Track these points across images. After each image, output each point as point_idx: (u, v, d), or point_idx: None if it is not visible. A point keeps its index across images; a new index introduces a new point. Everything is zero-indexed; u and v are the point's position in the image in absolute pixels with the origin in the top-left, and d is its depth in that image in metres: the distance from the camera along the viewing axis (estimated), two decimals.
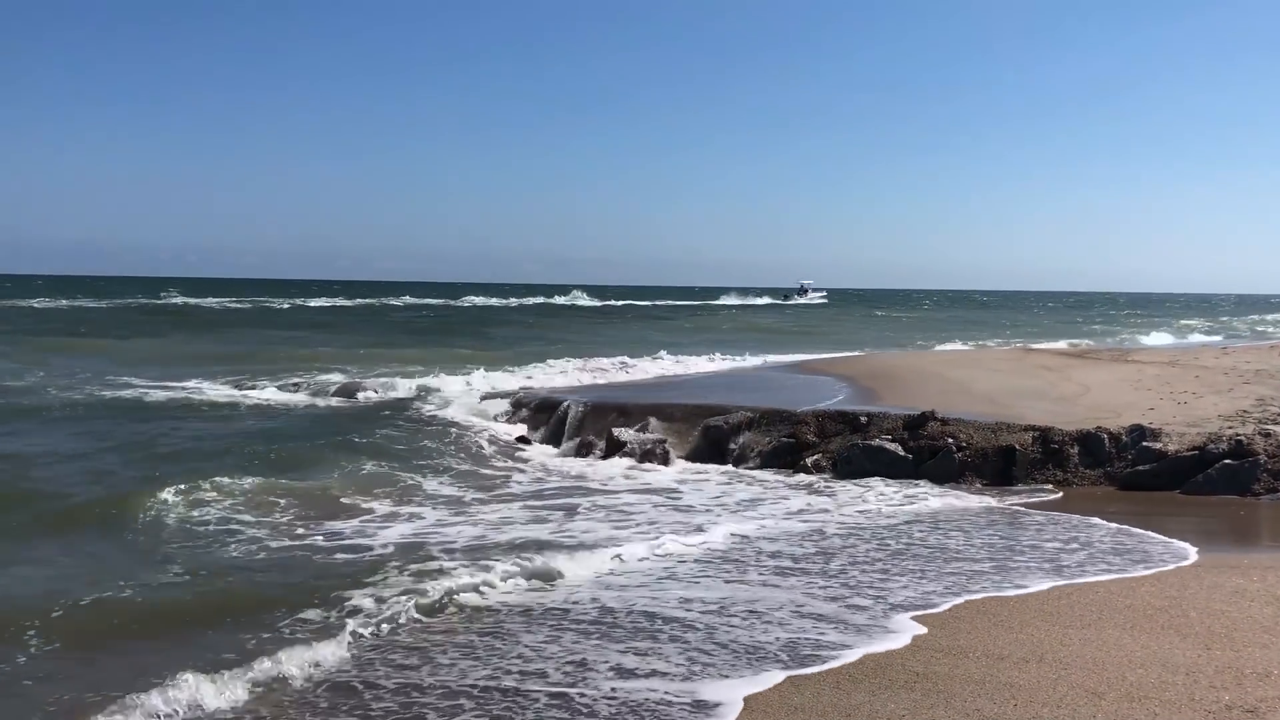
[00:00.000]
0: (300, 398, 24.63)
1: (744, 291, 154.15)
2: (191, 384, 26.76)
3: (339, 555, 10.82)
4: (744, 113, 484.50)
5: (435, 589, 9.23)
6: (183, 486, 13.12)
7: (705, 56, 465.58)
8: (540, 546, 11.12)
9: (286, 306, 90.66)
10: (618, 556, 10.67)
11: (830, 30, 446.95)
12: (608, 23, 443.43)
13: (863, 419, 17.11)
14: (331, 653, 7.75)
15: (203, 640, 8.12)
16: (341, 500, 13.37)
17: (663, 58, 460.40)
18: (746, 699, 7.05)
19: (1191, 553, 11.17)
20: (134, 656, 7.78)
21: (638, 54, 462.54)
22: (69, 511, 12.48)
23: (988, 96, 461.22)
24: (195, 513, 12.40)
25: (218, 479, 13.62)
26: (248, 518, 12.29)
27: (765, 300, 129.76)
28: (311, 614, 8.73)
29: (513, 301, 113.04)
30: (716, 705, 6.98)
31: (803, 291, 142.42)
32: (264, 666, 7.38)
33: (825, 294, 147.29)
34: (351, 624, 8.35)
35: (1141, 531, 12.13)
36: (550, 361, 31.42)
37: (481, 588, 9.43)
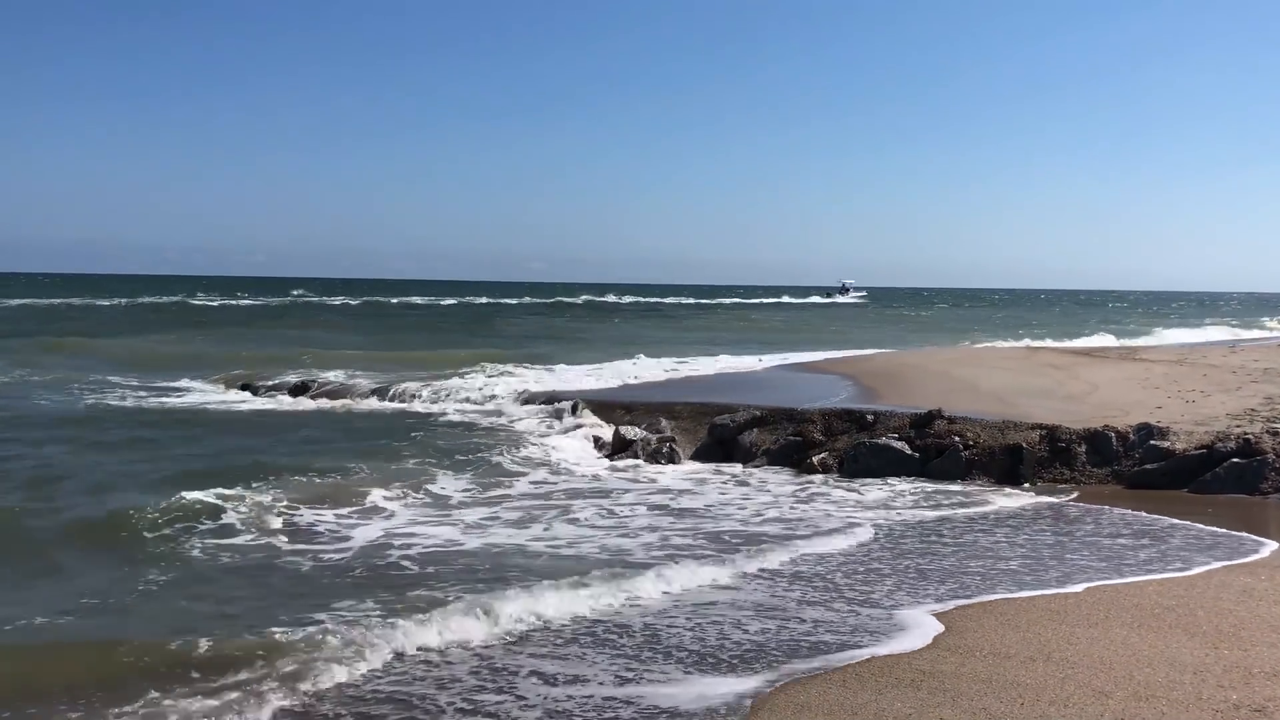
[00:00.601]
0: (308, 399, 24.45)
1: (774, 290, 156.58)
2: (196, 385, 26.52)
3: (313, 564, 10.51)
4: (738, 105, 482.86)
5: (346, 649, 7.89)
6: (184, 498, 12.51)
7: (701, 45, 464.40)
8: (517, 556, 10.83)
9: (299, 303, 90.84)
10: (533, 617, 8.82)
11: (824, 17, 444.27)
12: (606, 9, 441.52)
13: (869, 417, 17.10)
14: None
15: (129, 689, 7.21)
16: (336, 501, 13.09)
17: (660, 48, 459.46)
18: (753, 698, 7.06)
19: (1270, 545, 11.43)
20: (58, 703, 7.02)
21: (635, 43, 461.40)
22: (46, 529, 11.69)
23: (984, 83, 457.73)
24: (181, 526, 11.72)
25: (218, 489, 12.98)
26: (234, 526, 11.79)
27: (813, 299, 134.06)
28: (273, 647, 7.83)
29: (524, 300, 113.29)
30: (722, 705, 6.99)
31: (844, 290, 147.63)
32: None
33: (865, 293, 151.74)
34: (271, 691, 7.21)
35: (1229, 530, 12.18)
36: (556, 366, 31.37)
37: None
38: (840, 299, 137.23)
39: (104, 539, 11.30)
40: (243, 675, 7.36)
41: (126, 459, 16.17)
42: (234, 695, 7.05)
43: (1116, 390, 19.94)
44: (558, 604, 8.99)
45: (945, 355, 31.83)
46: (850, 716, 6.69)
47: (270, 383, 25.83)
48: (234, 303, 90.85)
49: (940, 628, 8.47)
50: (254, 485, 13.43)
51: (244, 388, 25.71)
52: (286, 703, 7.03)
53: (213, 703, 6.93)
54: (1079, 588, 9.69)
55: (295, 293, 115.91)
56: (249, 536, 11.46)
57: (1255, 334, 53.92)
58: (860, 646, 8.07)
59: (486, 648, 8.12)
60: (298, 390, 24.69)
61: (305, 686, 7.26)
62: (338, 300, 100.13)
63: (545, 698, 7.12)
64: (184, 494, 12.65)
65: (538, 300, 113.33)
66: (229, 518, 12.05)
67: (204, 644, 7.80)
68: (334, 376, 26.52)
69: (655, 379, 25.79)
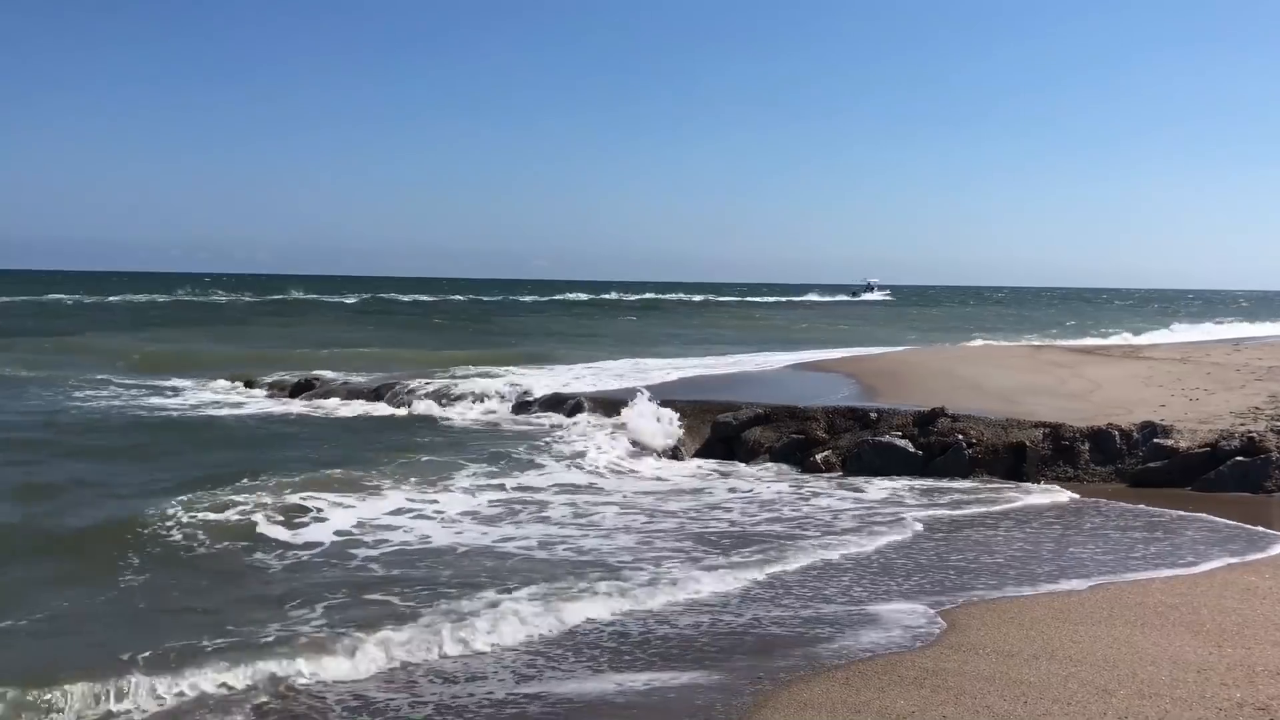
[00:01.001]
0: (311, 399, 24.33)
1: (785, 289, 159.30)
2: (195, 385, 26.34)
3: (283, 572, 10.32)
4: (742, 100, 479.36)
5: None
6: (170, 501, 12.21)
7: (701, 45, 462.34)
8: (487, 557, 10.62)
9: (302, 301, 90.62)
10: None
11: (831, 10, 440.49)
12: (611, 4, 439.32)
13: (873, 415, 17.09)
14: None
15: None
16: (325, 503, 12.71)
17: (663, 40, 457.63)
18: (755, 696, 7.06)
19: None
20: None
21: (638, 36, 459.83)
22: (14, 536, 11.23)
23: (992, 78, 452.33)
24: (158, 531, 11.34)
25: (205, 490, 12.73)
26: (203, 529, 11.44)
27: (840, 298, 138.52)
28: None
29: (529, 298, 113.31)
30: (720, 700, 6.99)
31: (869, 288, 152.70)
32: None
33: (889, 291, 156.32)
34: None
35: (1232, 529, 12.19)
36: (560, 365, 31.24)
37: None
38: (866, 297, 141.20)
39: (76, 546, 10.91)
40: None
41: (117, 461, 15.85)
42: None
43: (1120, 388, 19.92)
44: (533, 612, 8.68)
45: (949, 353, 31.84)
46: (853, 714, 6.69)
47: (270, 379, 25.86)
48: (239, 298, 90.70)
49: (943, 625, 8.48)
50: (240, 486, 13.13)
51: (248, 385, 25.72)
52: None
53: None
54: (1082, 585, 9.69)
55: (295, 291, 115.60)
56: (223, 540, 11.13)
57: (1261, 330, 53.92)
58: (860, 643, 8.08)
59: (425, 664, 7.86)
60: (299, 389, 24.65)
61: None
62: (350, 299, 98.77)
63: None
64: (174, 498, 12.38)
65: (543, 298, 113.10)
66: (206, 521, 11.67)
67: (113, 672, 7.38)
68: (332, 374, 26.44)
69: (664, 378, 25.67)
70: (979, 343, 40.84)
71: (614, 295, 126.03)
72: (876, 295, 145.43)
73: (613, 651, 8.02)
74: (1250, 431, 14.89)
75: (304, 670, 7.57)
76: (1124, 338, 45.72)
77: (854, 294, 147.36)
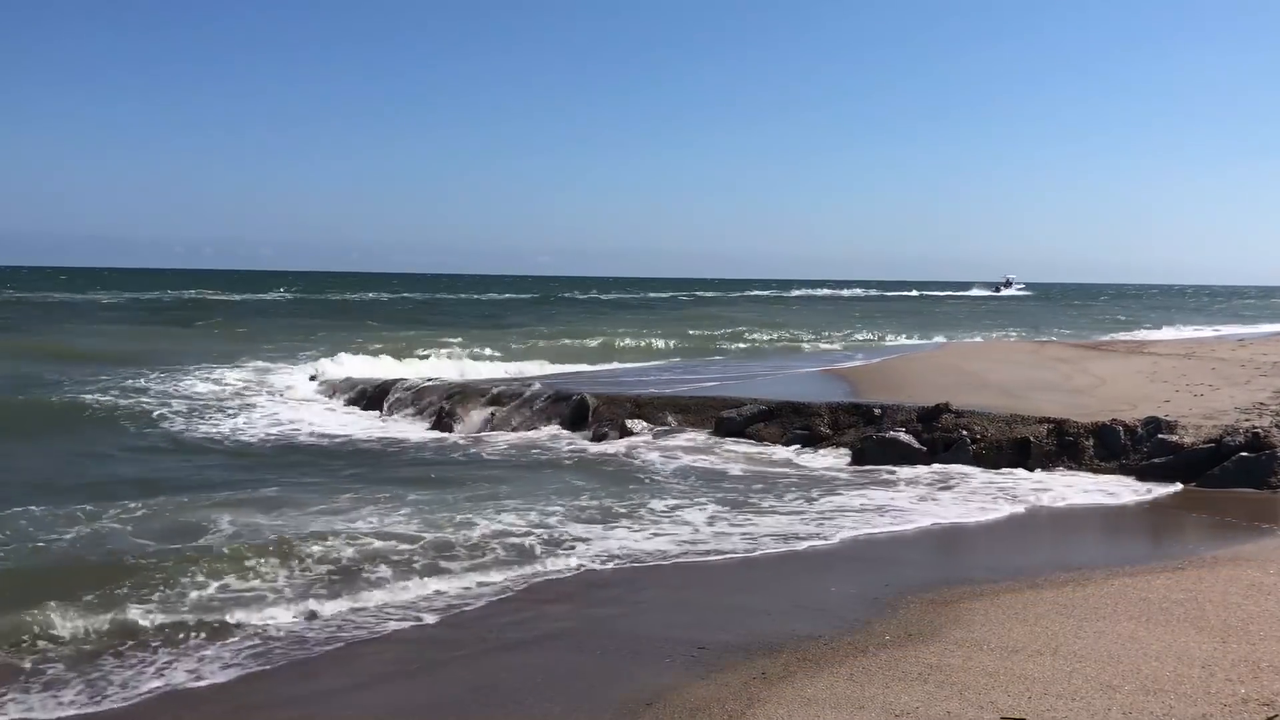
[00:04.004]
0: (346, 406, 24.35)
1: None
2: (184, 381, 26.57)
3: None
4: (746, 94, 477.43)
5: None
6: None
7: (711, 44, 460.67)
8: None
9: (307, 300, 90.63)
10: None
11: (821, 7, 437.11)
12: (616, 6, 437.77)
13: (876, 411, 17.08)
14: None
15: None
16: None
17: (662, 43, 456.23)
18: (755, 692, 7.06)
19: None
20: None
21: (642, 38, 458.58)
22: None
23: (986, 70, 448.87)
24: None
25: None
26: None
27: (975, 292, 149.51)
28: None
29: (573, 294, 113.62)
30: (726, 691, 7.00)
31: (1007, 284, 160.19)
32: None
33: (1024, 285, 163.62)
34: None
35: (1236, 525, 12.13)
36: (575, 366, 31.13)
37: None
38: (1005, 292, 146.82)
39: None
40: None
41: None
42: None
43: (1124, 384, 19.89)
44: None
45: (954, 349, 31.80)
46: (857, 710, 6.69)
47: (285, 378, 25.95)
48: (251, 297, 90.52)
49: (946, 621, 8.47)
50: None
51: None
52: None
53: None
54: (1086, 581, 9.67)
55: (291, 288, 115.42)
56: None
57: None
58: (864, 639, 8.09)
59: None
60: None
61: None
62: (383, 296, 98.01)
63: None
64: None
65: (557, 295, 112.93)
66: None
67: None
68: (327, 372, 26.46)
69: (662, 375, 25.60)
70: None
71: (610, 294, 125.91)
72: (1014, 291, 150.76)
73: None
74: (1255, 427, 14.85)
75: None
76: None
77: (995, 289, 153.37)
